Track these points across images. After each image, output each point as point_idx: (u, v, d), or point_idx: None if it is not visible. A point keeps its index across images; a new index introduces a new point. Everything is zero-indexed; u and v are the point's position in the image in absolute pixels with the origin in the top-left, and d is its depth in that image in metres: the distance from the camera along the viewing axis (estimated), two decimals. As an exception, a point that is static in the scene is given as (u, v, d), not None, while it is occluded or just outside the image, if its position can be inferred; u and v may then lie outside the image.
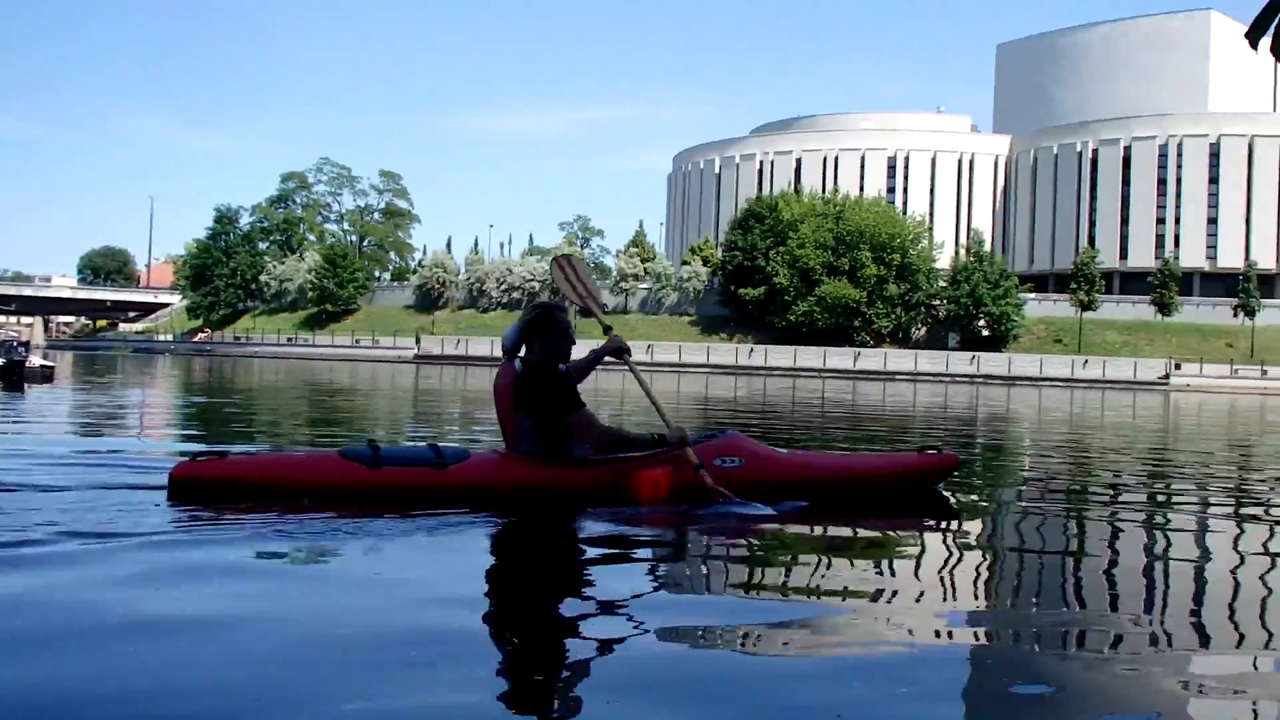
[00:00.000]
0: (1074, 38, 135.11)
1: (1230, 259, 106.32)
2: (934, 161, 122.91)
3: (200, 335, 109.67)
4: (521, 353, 6.30)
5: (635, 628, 3.82)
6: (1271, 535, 6.55)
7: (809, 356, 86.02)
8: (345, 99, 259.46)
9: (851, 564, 5.13)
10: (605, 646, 3.52)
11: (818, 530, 6.13)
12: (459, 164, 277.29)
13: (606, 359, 6.74)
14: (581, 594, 4.50)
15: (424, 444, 6.49)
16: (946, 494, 7.38)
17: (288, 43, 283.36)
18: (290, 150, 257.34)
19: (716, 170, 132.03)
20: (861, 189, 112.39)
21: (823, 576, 4.78)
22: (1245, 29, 2.93)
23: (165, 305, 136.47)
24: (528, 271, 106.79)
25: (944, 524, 6.47)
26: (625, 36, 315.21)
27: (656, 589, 4.55)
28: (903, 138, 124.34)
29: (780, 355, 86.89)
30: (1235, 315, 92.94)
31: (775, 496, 6.26)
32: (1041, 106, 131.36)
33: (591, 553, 5.36)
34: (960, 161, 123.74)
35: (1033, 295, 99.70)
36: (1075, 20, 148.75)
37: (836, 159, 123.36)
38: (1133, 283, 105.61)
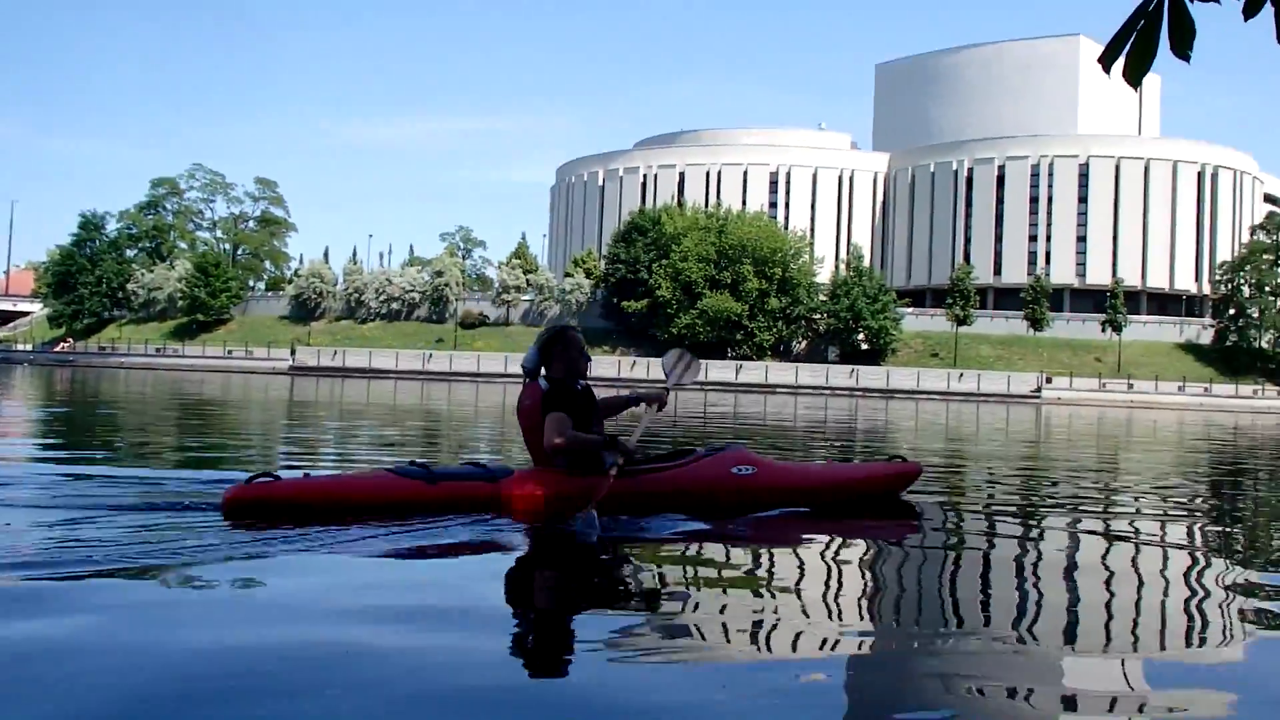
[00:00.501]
0: (950, 59, 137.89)
1: (1098, 276, 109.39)
2: (815, 177, 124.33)
3: (62, 345, 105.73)
4: (542, 372, 6.77)
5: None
6: (1136, 540, 7.00)
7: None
8: (219, 103, 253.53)
9: (729, 585, 5.04)
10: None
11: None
12: (338, 172, 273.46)
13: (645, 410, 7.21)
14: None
15: (465, 463, 6.91)
16: (909, 501, 7.94)
17: (156, 44, 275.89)
18: (161, 155, 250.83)
19: (600, 182, 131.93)
20: (744, 203, 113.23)
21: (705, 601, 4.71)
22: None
23: (25, 314, 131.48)
24: (408, 282, 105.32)
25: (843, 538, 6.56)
26: (508, 47, 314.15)
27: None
28: (785, 153, 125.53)
29: (657, 368, 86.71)
30: (1103, 330, 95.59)
31: (782, 503, 7.08)
32: (919, 125, 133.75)
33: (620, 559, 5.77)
34: (841, 178, 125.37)
35: (910, 310, 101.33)
36: (952, 42, 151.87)
37: (719, 173, 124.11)
38: (1006, 298, 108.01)
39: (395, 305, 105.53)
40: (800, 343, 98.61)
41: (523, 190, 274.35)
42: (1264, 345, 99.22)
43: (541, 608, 4.76)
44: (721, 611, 4.45)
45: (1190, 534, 7.53)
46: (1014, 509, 8.61)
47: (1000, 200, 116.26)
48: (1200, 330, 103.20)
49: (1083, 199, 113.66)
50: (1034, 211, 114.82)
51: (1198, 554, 6.63)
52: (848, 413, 37.57)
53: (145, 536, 5.51)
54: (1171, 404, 75.68)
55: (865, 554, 6.08)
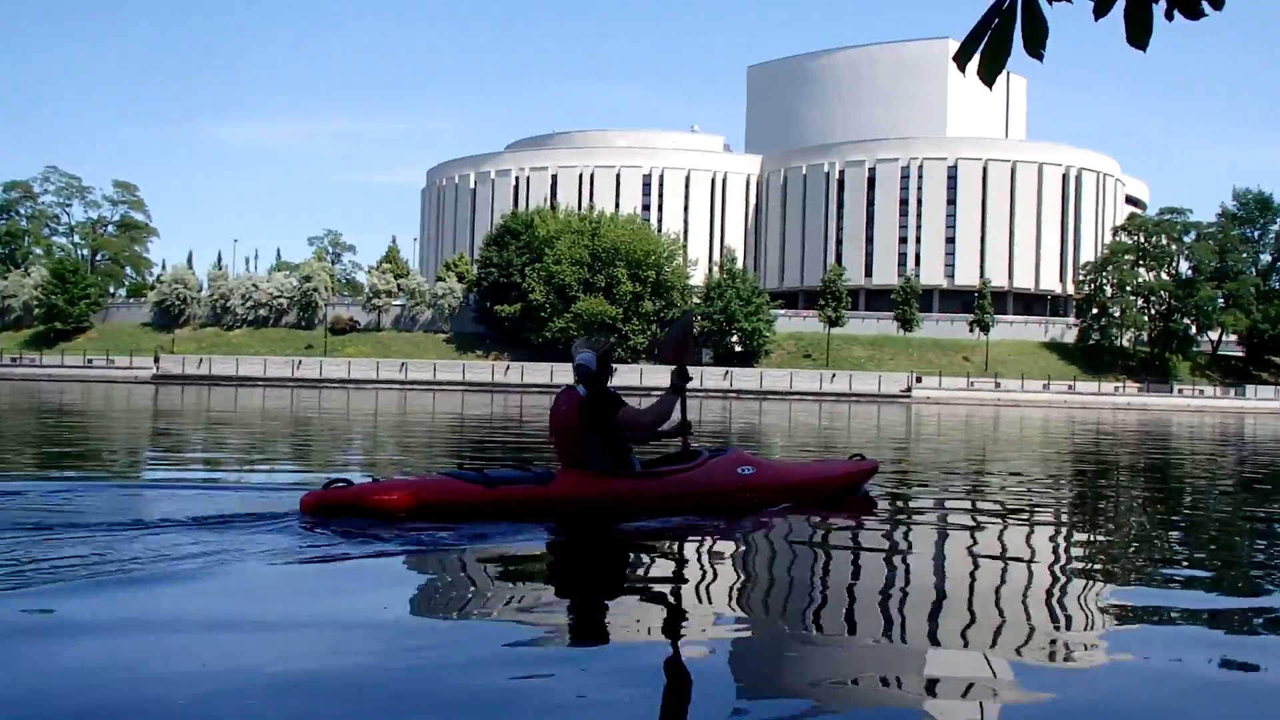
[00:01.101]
0: (821, 61, 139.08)
1: (966, 277, 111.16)
2: (688, 180, 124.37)
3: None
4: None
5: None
6: (1003, 532, 7.67)
7: (566, 373, 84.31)
8: (73, 104, 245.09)
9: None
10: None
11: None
12: (200, 175, 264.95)
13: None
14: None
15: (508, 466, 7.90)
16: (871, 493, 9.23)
17: (3, 42, 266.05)
18: (11, 158, 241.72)
19: (472, 185, 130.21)
20: (617, 206, 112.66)
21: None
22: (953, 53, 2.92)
23: None
24: (275, 288, 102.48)
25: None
26: (377, 47, 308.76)
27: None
28: (658, 156, 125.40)
29: (537, 372, 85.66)
30: (971, 330, 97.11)
31: (777, 499, 8.08)
32: (791, 128, 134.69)
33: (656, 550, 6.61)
34: (714, 180, 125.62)
35: (783, 311, 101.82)
36: (823, 45, 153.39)
37: (592, 176, 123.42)
38: (877, 299, 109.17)
39: (263, 311, 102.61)
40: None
41: (393, 193, 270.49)
42: (1125, 344, 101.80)
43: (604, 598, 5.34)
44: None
45: (1055, 527, 8.22)
46: (889, 504, 9.12)
47: (871, 202, 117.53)
48: (1064, 329, 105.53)
49: (951, 201, 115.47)
50: (904, 213, 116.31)
51: (1060, 546, 7.27)
52: (721, 415, 37.30)
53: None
54: (1037, 402, 76.94)
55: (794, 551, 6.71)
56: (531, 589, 5.37)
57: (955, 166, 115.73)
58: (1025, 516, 8.48)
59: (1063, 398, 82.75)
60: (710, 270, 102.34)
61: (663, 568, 6.13)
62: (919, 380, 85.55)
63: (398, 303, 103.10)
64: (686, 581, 5.63)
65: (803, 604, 5.20)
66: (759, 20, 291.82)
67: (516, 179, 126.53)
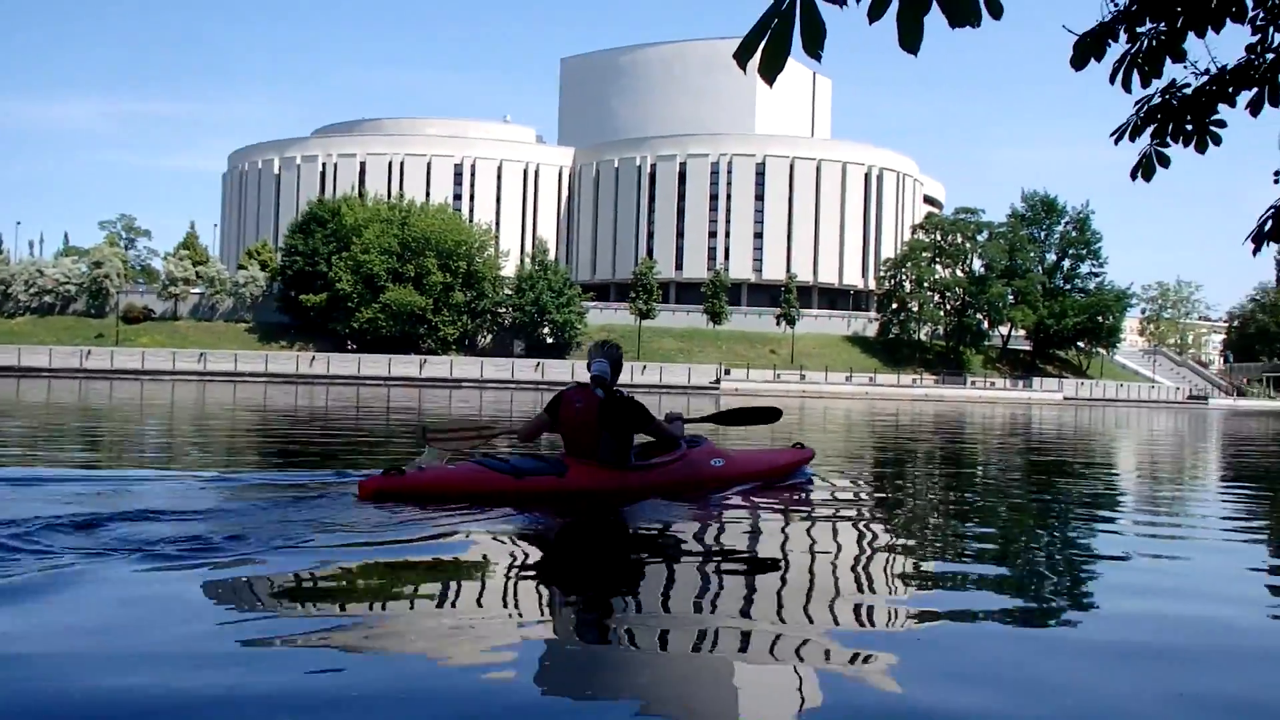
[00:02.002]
0: (635, 56, 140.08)
1: (774, 272, 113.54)
2: (500, 170, 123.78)
3: None
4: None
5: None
6: (810, 522, 7.98)
7: (374, 364, 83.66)
8: None
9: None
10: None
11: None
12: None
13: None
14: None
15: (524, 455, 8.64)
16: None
17: None
18: None
19: (276, 171, 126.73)
20: (428, 195, 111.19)
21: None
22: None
23: None
24: (62, 273, 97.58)
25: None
26: (173, 26, 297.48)
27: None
28: (470, 145, 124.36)
29: (344, 363, 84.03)
30: (778, 324, 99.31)
31: (742, 484, 9.23)
32: (604, 121, 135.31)
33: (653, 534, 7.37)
34: (526, 171, 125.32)
35: (595, 304, 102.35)
36: (636, 39, 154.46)
37: (402, 164, 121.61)
38: (688, 292, 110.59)
39: (48, 298, 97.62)
40: (486, 336, 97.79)
41: (192, 178, 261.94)
42: (922, 338, 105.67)
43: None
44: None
45: (860, 517, 8.54)
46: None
47: (682, 196, 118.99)
48: (866, 324, 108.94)
49: (759, 197, 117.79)
50: (714, 208, 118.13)
51: (866, 534, 7.61)
52: (533, 407, 37.01)
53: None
54: (840, 394, 79.07)
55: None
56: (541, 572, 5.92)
57: (763, 163, 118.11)
58: (830, 509, 8.75)
59: (864, 389, 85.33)
60: (522, 262, 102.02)
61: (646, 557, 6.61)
62: (727, 372, 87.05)
63: (196, 291, 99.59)
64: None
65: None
66: (573, 13, 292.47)
67: (323, 165, 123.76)
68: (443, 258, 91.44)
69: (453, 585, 5.37)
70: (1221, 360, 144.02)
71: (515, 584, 5.38)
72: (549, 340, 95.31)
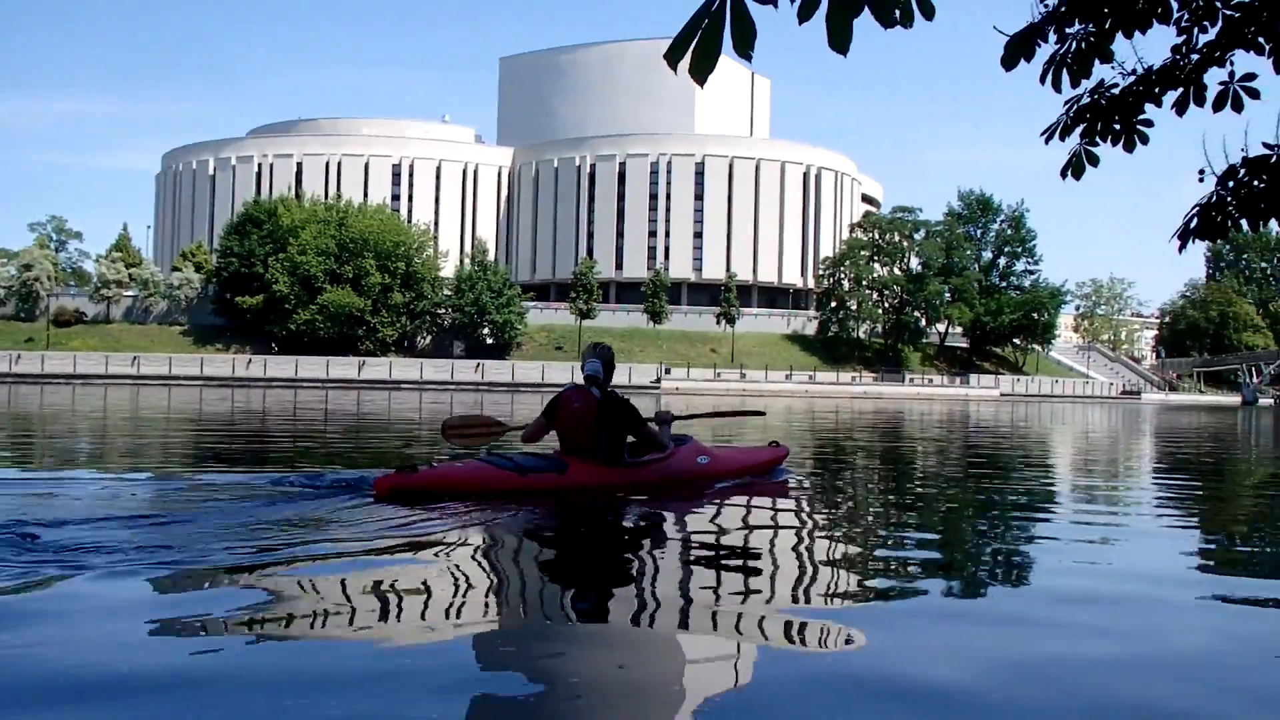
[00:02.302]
0: (574, 55, 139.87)
1: (713, 271, 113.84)
2: (439, 170, 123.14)
3: None
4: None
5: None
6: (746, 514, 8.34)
7: (311, 367, 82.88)
8: None
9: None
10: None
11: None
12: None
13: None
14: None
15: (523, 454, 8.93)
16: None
17: None
18: None
19: (211, 171, 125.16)
20: (365, 196, 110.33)
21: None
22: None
23: None
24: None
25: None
26: (105, 22, 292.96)
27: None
28: (408, 145, 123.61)
29: (281, 366, 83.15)
30: (718, 323, 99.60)
31: (725, 480, 9.72)
32: (544, 120, 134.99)
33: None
34: (465, 171, 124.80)
35: (535, 304, 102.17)
36: (576, 39, 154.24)
37: (340, 164, 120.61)
38: (628, 292, 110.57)
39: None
40: (425, 338, 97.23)
41: (124, 179, 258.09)
42: (861, 335, 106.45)
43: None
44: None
45: (801, 509, 8.89)
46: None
47: (622, 196, 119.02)
48: (805, 322, 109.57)
49: (699, 197, 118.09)
50: (654, 208, 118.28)
51: (807, 526, 7.96)
52: (472, 407, 36.97)
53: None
54: (780, 392, 79.45)
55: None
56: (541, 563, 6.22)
57: (703, 163, 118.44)
58: (768, 504, 8.97)
59: (804, 387, 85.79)
60: (461, 262, 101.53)
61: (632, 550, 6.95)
62: (668, 371, 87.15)
63: (129, 294, 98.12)
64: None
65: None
66: (512, 12, 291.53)
67: (259, 166, 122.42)
68: (381, 259, 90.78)
69: (458, 578, 5.57)
70: (1154, 356, 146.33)
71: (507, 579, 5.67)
72: (489, 341, 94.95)
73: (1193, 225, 4.76)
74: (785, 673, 3.95)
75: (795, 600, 5.17)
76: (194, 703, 3.43)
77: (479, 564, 5.97)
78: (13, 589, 4.79)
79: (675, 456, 9.26)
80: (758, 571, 5.96)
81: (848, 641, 4.42)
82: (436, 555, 6.00)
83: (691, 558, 6.40)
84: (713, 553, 6.56)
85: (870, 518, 8.59)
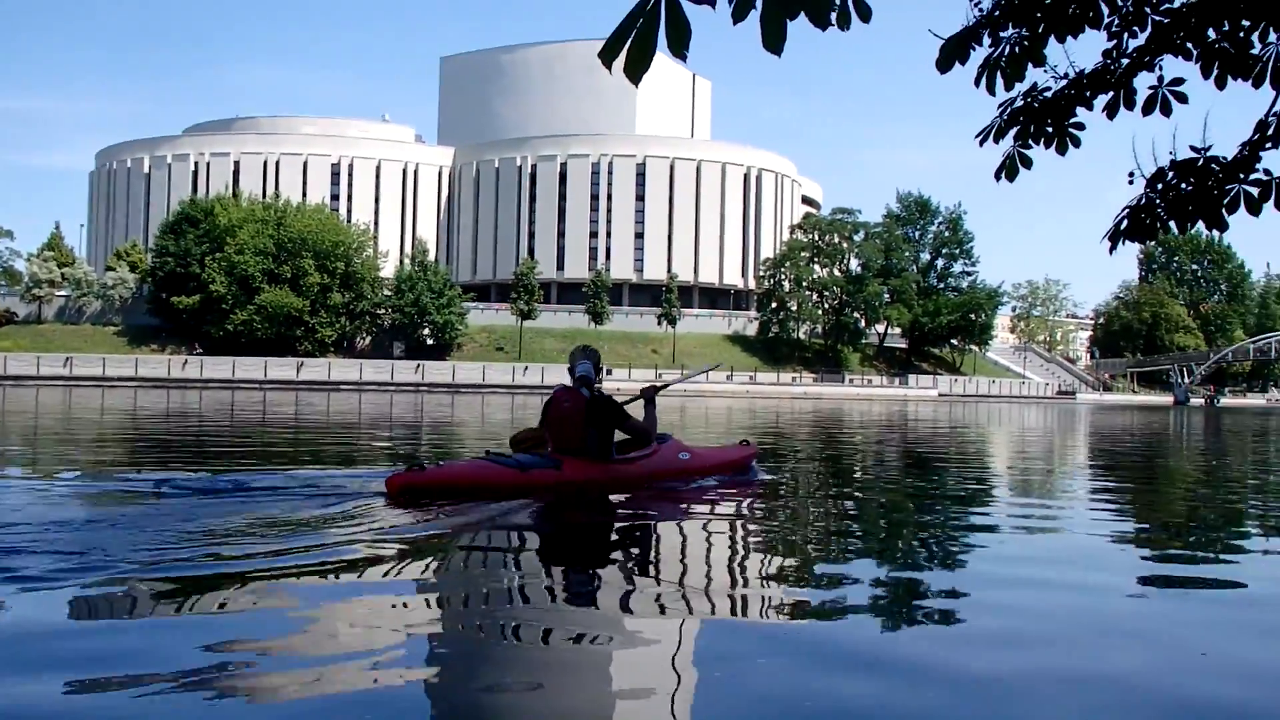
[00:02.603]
0: (515, 55, 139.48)
1: (655, 272, 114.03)
2: (379, 170, 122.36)
3: None
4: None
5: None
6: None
7: (249, 367, 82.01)
8: None
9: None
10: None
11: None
12: None
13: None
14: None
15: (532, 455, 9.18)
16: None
17: None
18: None
19: (146, 170, 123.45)
20: (304, 195, 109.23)
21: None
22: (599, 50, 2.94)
23: None
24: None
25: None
26: (36, 22, 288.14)
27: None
28: (347, 145, 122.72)
29: (218, 366, 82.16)
30: (659, 324, 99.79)
31: (706, 475, 10.25)
32: (485, 120, 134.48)
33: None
34: (405, 171, 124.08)
35: (476, 304, 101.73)
36: (517, 39, 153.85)
37: (278, 163, 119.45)
38: (569, 293, 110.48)
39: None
40: (364, 338, 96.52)
41: (57, 177, 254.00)
42: (801, 336, 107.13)
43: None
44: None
45: (740, 510, 8.98)
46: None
47: (563, 196, 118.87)
48: (746, 323, 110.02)
49: (640, 197, 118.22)
50: (595, 209, 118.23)
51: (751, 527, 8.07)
52: (413, 408, 36.88)
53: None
54: (721, 392, 79.66)
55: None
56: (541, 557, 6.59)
57: (644, 164, 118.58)
58: (708, 506, 9.10)
59: (745, 388, 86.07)
60: (401, 262, 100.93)
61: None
62: (609, 372, 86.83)
63: (62, 293, 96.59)
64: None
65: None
66: (452, 12, 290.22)
67: (196, 164, 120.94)
68: (320, 258, 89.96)
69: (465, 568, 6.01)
70: (1088, 356, 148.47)
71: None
72: (429, 342, 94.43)
73: (1123, 227, 4.81)
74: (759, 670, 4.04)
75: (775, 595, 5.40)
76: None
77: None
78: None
79: (660, 453, 9.85)
80: (717, 569, 6.18)
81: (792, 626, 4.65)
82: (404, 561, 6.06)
83: (662, 557, 6.67)
84: (680, 552, 6.83)
85: (825, 512, 8.90)
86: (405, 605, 4.90)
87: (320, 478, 9.56)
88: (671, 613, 4.92)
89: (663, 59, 2.91)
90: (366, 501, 8.02)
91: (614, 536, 7.50)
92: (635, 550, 6.92)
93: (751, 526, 7.89)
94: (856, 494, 10.58)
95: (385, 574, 5.61)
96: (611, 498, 9.00)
